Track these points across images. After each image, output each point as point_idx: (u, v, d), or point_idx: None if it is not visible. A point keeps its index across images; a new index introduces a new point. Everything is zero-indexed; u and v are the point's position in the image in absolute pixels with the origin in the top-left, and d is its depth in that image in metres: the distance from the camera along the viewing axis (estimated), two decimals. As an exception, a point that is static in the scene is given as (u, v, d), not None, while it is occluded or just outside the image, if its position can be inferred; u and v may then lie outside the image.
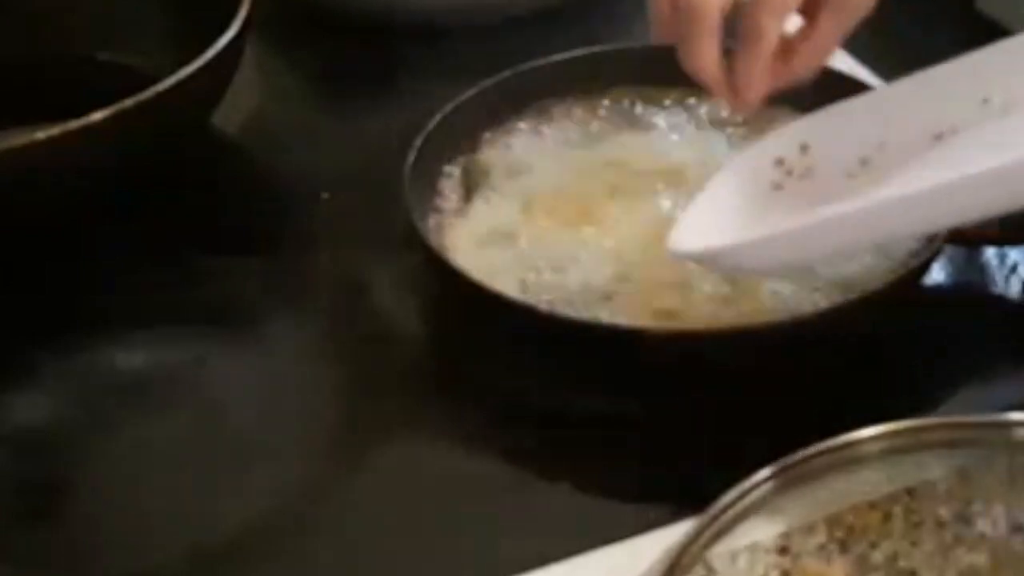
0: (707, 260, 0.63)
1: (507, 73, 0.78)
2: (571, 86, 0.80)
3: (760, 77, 0.65)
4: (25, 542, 0.61)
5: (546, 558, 0.57)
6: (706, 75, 0.65)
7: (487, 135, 0.77)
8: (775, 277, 0.66)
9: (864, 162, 0.64)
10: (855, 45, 0.85)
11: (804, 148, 0.67)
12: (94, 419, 0.67)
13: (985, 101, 0.62)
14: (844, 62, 0.84)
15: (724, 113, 0.77)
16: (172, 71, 0.72)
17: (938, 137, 0.63)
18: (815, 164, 0.66)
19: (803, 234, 0.59)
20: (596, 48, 0.81)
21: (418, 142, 0.72)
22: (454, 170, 0.75)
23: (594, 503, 0.61)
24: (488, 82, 0.78)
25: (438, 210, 0.72)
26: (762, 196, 0.65)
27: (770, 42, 0.64)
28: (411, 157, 0.71)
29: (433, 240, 0.68)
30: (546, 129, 0.77)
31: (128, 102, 0.70)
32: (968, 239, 0.69)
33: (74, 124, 0.69)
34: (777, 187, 0.65)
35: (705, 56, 0.65)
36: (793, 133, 0.68)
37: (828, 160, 0.65)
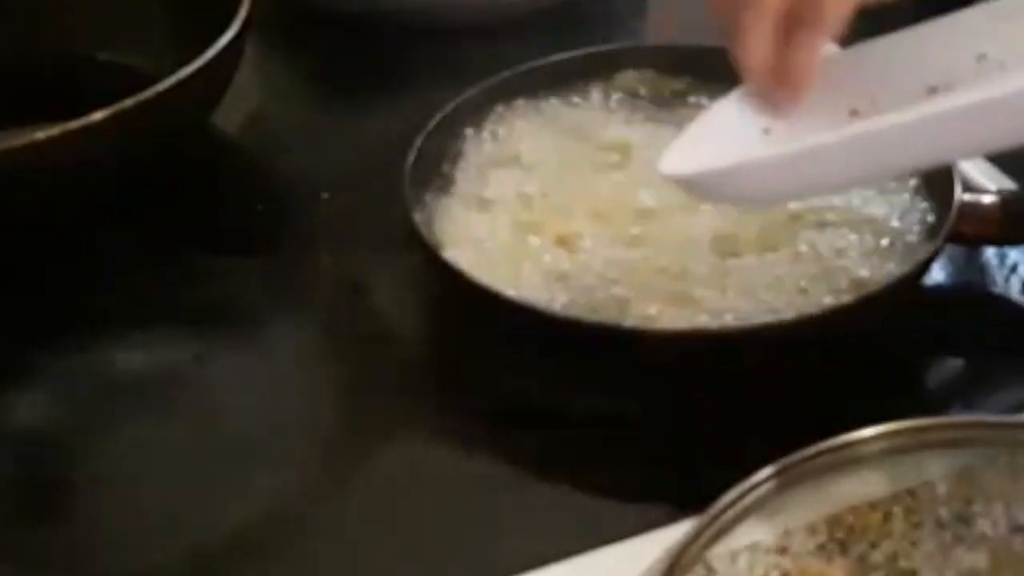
0: (694, 184, 0.62)
1: (507, 73, 0.79)
2: (571, 85, 0.80)
3: (815, 63, 0.61)
4: (25, 542, 0.61)
5: (546, 558, 0.57)
6: (754, 61, 0.62)
7: (486, 134, 0.77)
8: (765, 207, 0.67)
9: (854, 113, 0.63)
10: (850, 43, 0.85)
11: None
12: (94, 419, 0.67)
13: (981, 57, 0.61)
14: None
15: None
16: (172, 71, 0.72)
17: (932, 91, 0.61)
18: (803, 114, 0.64)
19: (793, 160, 0.58)
20: (596, 48, 0.81)
21: (418, 142, 0.72)
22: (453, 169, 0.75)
23: (594, 503, 0.61)
24: (488, 82, 0.78)
25: (438, 209, 0.72)
26: (751, 135, 0.63)
27: (831, 28, 0.61)
28: (411, 157, 0.71)
29: (433, 240, 0.68)
30: (546, 128, 0.77)
31: (128, 102, 0.70)
32: (968, 239, 0.68)
33: (74, 124, 0.69)
34: (765, 131, 0.64)
35: (756, 41, 0.61)
36: None
37: (816, 110, 0.63)
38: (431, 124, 0.74)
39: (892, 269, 0.66)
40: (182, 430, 0.66)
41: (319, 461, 0.64)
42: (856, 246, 0.68)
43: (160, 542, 0.60)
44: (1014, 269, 0.71)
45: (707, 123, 0.65)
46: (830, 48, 0.65)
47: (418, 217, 0.69)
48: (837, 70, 0.65)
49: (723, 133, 0.64)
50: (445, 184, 0.74)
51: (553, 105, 0.79)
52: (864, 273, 0.66)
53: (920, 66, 0.61)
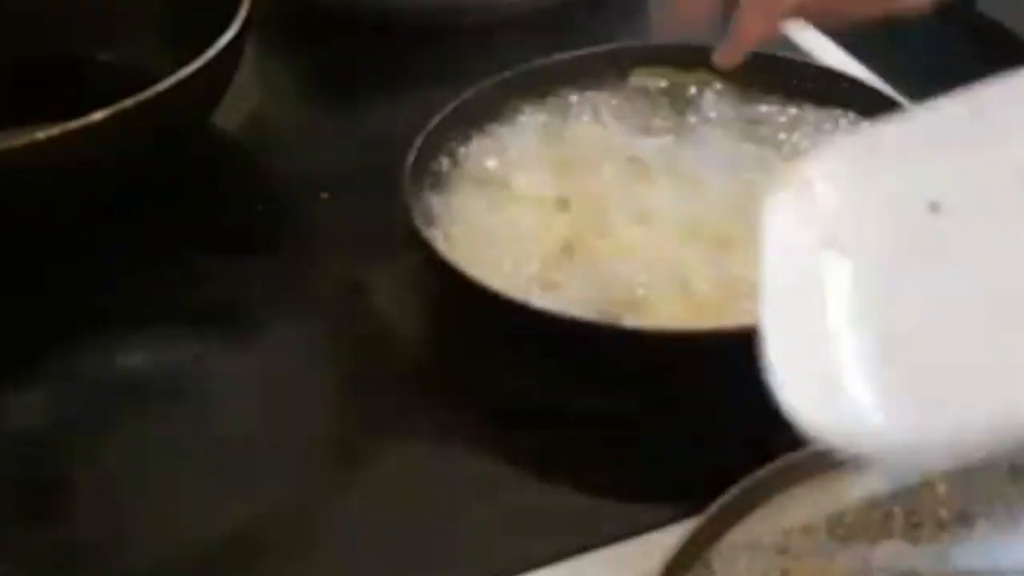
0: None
1: (508, 73, 0.78)
2: (574, 84, 0.80)
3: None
4: (25, 542, 0.61)
5: (546, 558, 0.57)
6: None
7: (487, 134, 0.77)
8: None
9: (935, 207, 0.50)
10: (853, 45, 0.85)
11: (850, 189, 0.51)
12: (94, 419, 0.67)
13: None
14: (843, 62, 0.85)
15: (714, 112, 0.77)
16: (172, 71, 0.72)
17: None
18: (871, 210, 0.51)
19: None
20: (596, 48, 0.81)
21: (418, 142, 0.72)
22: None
23: (594, 503, 0.61)
24: (488, 82, 0.78)
25: (438, 209, 0.72)
26: (813, 255, 0.49)
27: None
28: (411, 157, 0.71)
29: (433, 239, 0.68)
30: (548, 127, 0.77)
31: (128, 102, 0.70)
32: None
33: (74, 124, 0.68)
34: (828, 242, 0.49)
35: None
36: (833, 167, 0.52)
37: (888, 203, 0.50)
38: (431, 124, 0.74)
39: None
40: (182, 430, 0.66)
41: (319, 461, 0.64)
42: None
43: (160, 542, 0.61)
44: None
45: (777, 271, 0.50)
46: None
47: (418, 217, 0.69)
48: (910, 142, 0.53)
49: (813, 313, 0.48)
50: (445, 184, 0.74)
51: (556, 104, 0.79)
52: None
53: (1013, 143, 0.49)
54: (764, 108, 0.77)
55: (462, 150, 0.76)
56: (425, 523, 0.60)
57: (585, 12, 0.93)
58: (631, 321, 0.65)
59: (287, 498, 0.62)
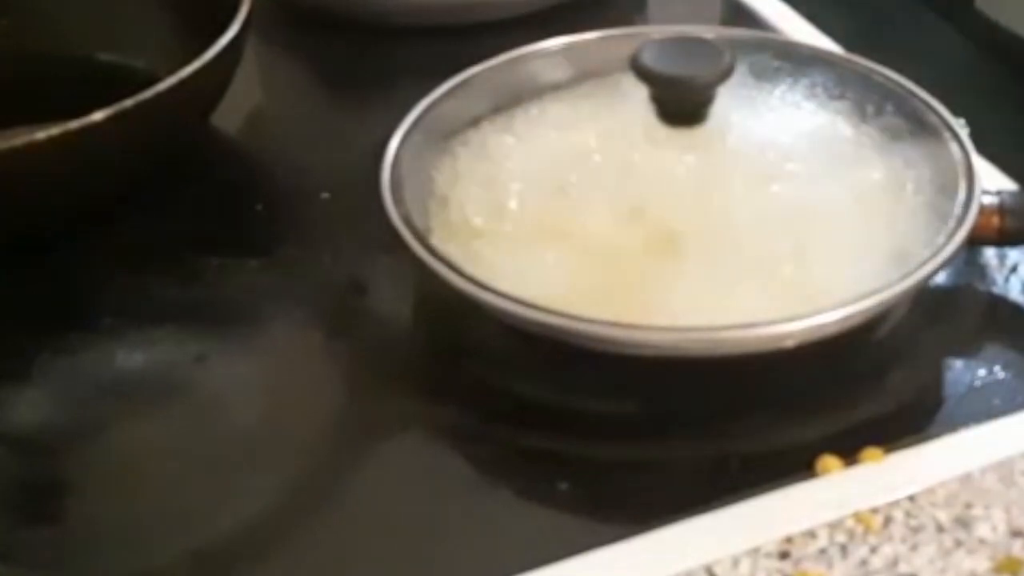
0: None
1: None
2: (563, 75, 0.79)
3: None
4: (25, 542, 0.61)
5: (545, 559, 0.57)
6: None
7: (483, 129, 0.77)
8: None
9: None
10: (852, 44, 0.85)
11: None
12: (94, 419, 0.67)
13: None
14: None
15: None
16: (172, 71, 0.72)
17: None
18: None
19: None
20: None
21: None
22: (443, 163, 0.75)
23: (593, 503, 0.61)
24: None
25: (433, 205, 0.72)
26: None
27: None
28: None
29: (432, 238, 0.68)
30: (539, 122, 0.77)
31: (128, 102, 0.70)
32: (968, 239, 0.68)
33: (74, 124, 0.69)
34: None
35: None
36: None
37: None
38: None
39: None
40: (182, 430, 0.66)
41: (319, 461, 0.64)
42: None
43: (160, 542, 0.60)
44: (1014, 269, 0.71)
45: None
46: None
47: (417, 214, 0.69)
48: None
49: None
50: (445, 180, 0.74)
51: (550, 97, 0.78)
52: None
53: None
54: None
55: (459, 148, 0.75)
56: (424, 524, 0.60)
57: (585, 11, 0.93)
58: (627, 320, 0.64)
59: (287, 498, 0.62)
